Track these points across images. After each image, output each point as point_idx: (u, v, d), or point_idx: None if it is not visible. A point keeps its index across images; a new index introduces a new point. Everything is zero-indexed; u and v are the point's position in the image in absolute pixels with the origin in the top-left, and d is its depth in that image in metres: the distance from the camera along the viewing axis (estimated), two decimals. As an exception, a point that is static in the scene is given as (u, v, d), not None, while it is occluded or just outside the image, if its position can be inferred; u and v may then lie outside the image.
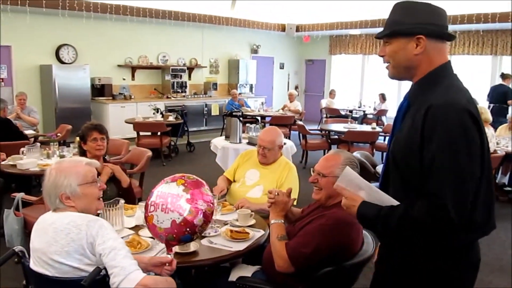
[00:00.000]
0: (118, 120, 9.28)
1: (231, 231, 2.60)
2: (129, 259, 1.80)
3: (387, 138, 8.68)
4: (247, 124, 6.83)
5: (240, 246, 2.45)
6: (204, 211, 1.98)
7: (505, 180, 6.73)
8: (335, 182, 2.30)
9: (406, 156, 1.57)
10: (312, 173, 2.41)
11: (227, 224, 2.80)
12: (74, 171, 1.99)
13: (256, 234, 2.63)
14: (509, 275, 4.10)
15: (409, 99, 1.68)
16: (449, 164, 1.45)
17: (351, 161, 2.37)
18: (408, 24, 1.61)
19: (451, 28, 10.62)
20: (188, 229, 1.96)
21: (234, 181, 3.59)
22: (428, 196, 1.47)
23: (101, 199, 2.09)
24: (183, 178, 2.06)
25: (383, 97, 11.62)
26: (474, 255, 1.64)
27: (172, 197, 1.97)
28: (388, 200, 1.61)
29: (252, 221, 2.82)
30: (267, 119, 9.79)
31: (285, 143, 5.27)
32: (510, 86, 9.30)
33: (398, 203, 1.59)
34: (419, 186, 1.53)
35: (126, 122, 8.44)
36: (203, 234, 2.56)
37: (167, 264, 2.01)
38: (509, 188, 6.73)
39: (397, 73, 1.70)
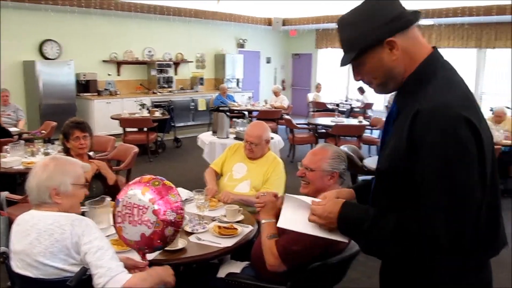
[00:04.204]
0: (103, 116, 9.18)
1: (219, 227, 2.58)
2: (115, 260, 1.78)
3: (374, 131, 8.75)
4: (234, 119, 6.81)
5: (229, 242, 2.43)
6: (173, 221, 1.91)
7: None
8: (322, 176, 2.32)
9: (390, 166, 1.38)
10: (299, 167, 2.40)
11: (215, 220, 2.78)
12: (72, 169, 1.98)
13: (245, 229, 2.61)
14: (494, 265, 4.13)
15: (397, 103, 1.46)
16: (440, 183, 1.24)
17: (338, 155, 2.37)
18: (369, 33, 1.37)
19: (436, 21, 10.69)
20: (158, 241, 1.91)
21: (222, 174, 3.57)
22: (419, 223, 1.27)
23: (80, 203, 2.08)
24: (148, 185, 1.94)
25: (361, 90, 11.68)
26: (485, 276, 1.45)
27: (138, 208, 1.89)
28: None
29: (240, 217, 2.81)
30: (254, 113, 9.78)
31: (272, 138, 5.27)
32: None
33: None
34: (407, 206, 1.32)
35: (112, 118, 8.35)
36: (191, 231, 2.55)
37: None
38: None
39: (385, 88, 1.46)
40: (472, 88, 9.86)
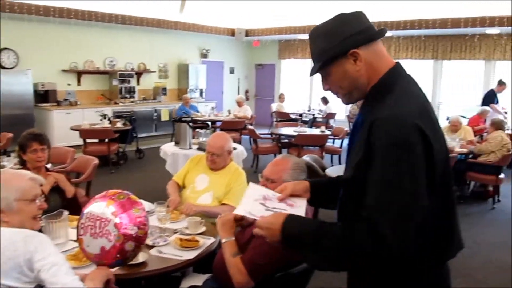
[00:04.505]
0: (63, 127, 8.95)
1: (181, 239, 2.55)
2: (71, 275, 1.73)
3: (336, 141, 8.88)
4: (197, 130, 6.78)
5: (191, 255, 2.41)
6: (134, 235, 1.88)
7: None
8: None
9: (354, 178, 1.41)
10: (260, 178, 2.40)
11: (176, 232, 2.75)
12: (15, 184, 1.87)
13: (207, 241, 2.60)
14: (452, 272, 4.25)
15: (362, 113, 1.50)
16: (389, 189, 1.28)
17: (299, 165, 2.38)
18: (334, 45, 1.44)
19: (394, 33, 11.00)
20: (118, 255, 1.87)
21: (184, 186, 3.54)
22: (367, 222, 1.29)
23: (38, 218, 1.98)
24: (113, 198, 1.92)
25: (325, 100, 11.90)
26: (443, 281, 1.51)
27: (100, 221, 1.86)
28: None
29: (203, 229, 2.79)
30: (218, 123, 9.77)
31: (235, 148, 5.27)
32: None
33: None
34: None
35: (72, 129, 8.15)
36: (152, 244, 2.51)
37: None
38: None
39: (351, 98, 1.53)
40: (429, 98, 10.27)
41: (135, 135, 8.98)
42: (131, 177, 7.65)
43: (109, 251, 1.85)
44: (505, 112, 9.70)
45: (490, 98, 9.63)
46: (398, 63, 1.50)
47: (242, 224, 2.55)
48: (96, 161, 4.67)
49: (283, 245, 1.44)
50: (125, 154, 8.73)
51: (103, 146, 7.85)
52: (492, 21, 9.13)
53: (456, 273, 4.32)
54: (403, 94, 1.40)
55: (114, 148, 7.99)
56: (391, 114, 1.32)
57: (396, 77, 1.46)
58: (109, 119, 8.58)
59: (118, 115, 9.88)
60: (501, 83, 9.64)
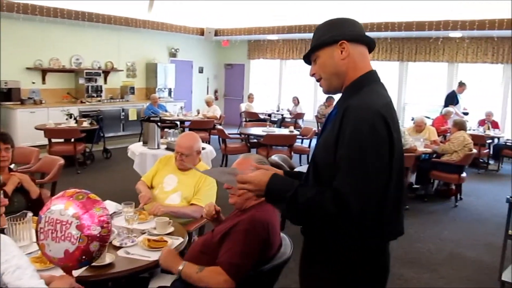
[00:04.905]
0: (27, 126, 8.74)
1: (149, 240, 2.54)
2: (36, 279, 1.70)
3: (304, 141, 8.96)
4: (166, 129, 6.73)
5: (159, 255, 2.39)
6: (98, 235, 1.86)
7: (413, 179, 7.19)
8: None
9: (324, 156, 1.64)
10: None
11: (144, 233, 2.73)
12: None
13: (175, 242, 2.59)
14: (418, 267, 4.38)
15: (337, 106, 1.73)
16: (355, 162, 1.50)
17: (260, 161, 2.41)
18: (329, 35, 1.70)
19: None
20: (84, 257, 1.85)
21: (152, 187, 3.52)
22: (335, 190, 1.50)
23: (3, 215, 1.94)
24: (71, 199, 1.88)
25: (297, 100, 12.04)
26: (385, 259, 1.71)
27: (61, 224, 1.82)
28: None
29: (171, 229, 2.78)
30: (187, 123, 9.72)
31: (203, 148, 5.26)
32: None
33: None
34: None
35: (36, 128, 7.96)
36: (119, 245, 2.49)
37: None
38: (416, 186, 7.20)
39: (329, 84, 1.75)
40: (395, 98, 10.56)
41: (102, 134, 8.84)
42: (98, 177, 7.54)
43: (74, 253, 1.83)
44: (466, 114, 10.01)
45: (451, 99, 9.99)
46: (375, 70, 1.75)
47: (218, 219, 2.58)
48: (61, 161, 4.58)
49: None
50: (91, 154, 8.59)
51: (69, 146, 7.70)
52: (455, 25, 9.40)
53: (424, 269, 4.49)
54: (373, 92, 1.65)
55: (80, 148, 7.84)
56: (360, 102, 1.57)
57: (371, 79, 1.71)
58: (75, 119, 8.41)
59: (84, 115, 9.70)
60: (461, 84, 10.05)
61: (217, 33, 13.37)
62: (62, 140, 7.96)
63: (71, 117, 8.33)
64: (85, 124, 8.26)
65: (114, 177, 7.56)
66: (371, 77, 1.72)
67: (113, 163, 8.69)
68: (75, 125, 8.12)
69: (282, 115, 12.14)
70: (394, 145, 1.56)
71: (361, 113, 1.53)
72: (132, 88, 11.88)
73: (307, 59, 1.81)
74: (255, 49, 14.48)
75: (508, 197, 3.73)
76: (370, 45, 1.76)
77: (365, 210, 1.49)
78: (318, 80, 1.79)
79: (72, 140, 7.74)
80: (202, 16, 11.63)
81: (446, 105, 9.85)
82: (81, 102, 10.45)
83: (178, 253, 2.38)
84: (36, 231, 1.90)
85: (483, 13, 8.79)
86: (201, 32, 13.22)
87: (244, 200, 2.35)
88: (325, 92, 1.81)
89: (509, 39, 10.07)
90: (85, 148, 8.20)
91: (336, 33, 1.70)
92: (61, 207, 1.86)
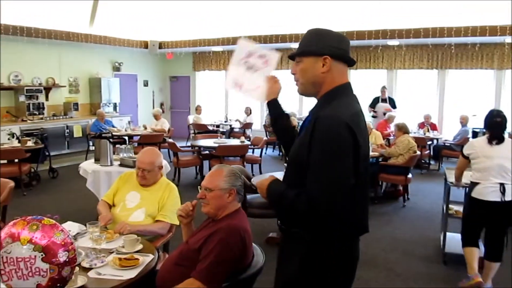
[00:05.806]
0: (-35, 148, 8.28)
1: (120, 258, 2.50)
2: None
3: (255, 150, 9.06)
4: (117, 145, 6.61)
5: (132, 274, 2.37)
6: (67, 260, 1.83)
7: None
8: (221, 194, 2.41)
9: (297, 159, 1.83)
10: (199, 190, 2.48)
11: (113, 252, 2.70)
12: None
13: (146, 259, 2.57)
14: (375, 267, 4.55)
15: (311, 114, 1.91)
16: (322, 168, 1.71)
17: (233, 172, 2.49)
18: (318, 46, 1.85)
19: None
20: (58, 284, 1.82)
21: (114, 205, 3.46)
22: (306, 193, 1.73)
23: None
24: (25, 231, 1.78)
25: (249, 111, 12.20)
26: (354, 251, 1.94)
27: (24, 261, 1.75)
28: None
29: (139, 246, 2.75)
30: (135, 138, 9.57)
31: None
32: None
33: None
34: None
35: (-24, 150, 7.58)
36: (89, 266, 2.45)
37: None
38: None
39: (305, 89, 1.95)
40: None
41: (47, 153, 8.54)
42: (45, 198, 7.26)
43: (47, 284, 1.79)
44: (384, 114, 10.60)
45: (373, 102, 11.09)
46: (349, 83, 1.93)
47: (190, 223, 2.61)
48: (12, 183, 4.39)
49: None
50: (37, 174, 8.27)
51: (13, 167, 7.34)
52: (392, 34, 9.87)
53: (380, 268, 4.64)
54: (344, 104, 1.83)
55: (25, 168, 7.52)
56: (330, 114, 1.75)
57: (343, 90, 1.89)
58: (17, 138, 8.08)
59: (27, 133, 9.34)
60: (383, 89, 11.04)
61: (161, 45, 13.29)
62: (5, 161, 7.60)
63: (13, 137, 8.01)
64: (30, 143, 7.93)
65: (64, 197, 7.31)
66: (344, 90, 1.90)
67: (60, 182, 8.40)
68: (19, 144, 7.80)
69: (230, 125, 12.20)
70: (360, 150, 1.75)
71: (329, 124, 1.72)
72: (76, 104, 11.55)
73: (292, 57, 1.97)
74: (200, 60, 14.50)
75: (449, 182, 4.50)
76: (350, 63, 1.93)
77: (331, 210, 1.70)
78: (296, 81, 1.95)
79: (16, 160, 7.41)
80: (146, 29, 11.53)
81: (372, 107, 10.99)
82: (22, 120, 10.06)
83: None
84: None
85: (418, 22, 9.31)
86: (145, 45, 13.09)
87: (216, 209, 2.41)
88: (300, 93, 1.99)
89: (443, 46, 10.70)
90: (30, 169, 7.88)
91: (323, 46, 1.85)
92: (17, 243, 1.77)
